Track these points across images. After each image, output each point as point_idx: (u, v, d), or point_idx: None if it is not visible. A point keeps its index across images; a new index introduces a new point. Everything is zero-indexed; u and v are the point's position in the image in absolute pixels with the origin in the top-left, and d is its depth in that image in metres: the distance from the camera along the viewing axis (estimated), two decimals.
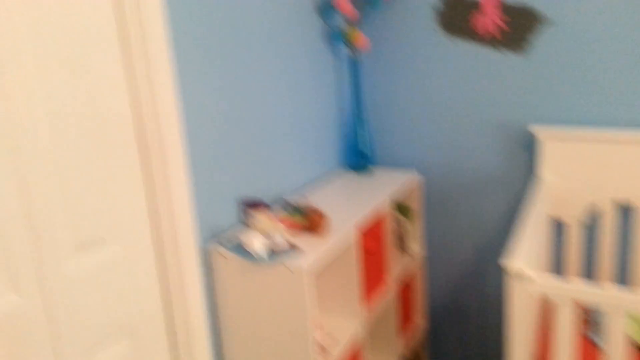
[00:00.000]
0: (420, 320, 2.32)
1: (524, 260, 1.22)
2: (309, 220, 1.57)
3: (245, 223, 1.61)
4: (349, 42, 2.08)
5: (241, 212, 1.67)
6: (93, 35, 1.19)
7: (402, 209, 2.11)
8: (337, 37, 2.14)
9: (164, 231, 1.40)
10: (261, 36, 1.71)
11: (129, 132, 1.31)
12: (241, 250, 1.47)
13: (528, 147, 2.00)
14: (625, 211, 1.88)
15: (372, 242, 1.80)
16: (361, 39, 2.06)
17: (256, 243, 1.44)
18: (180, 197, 1.39)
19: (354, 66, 2.23)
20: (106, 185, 1.25)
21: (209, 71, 1.49)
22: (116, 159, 1.27)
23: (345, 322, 1.72)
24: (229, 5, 1.55)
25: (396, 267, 2.03)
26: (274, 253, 1.44)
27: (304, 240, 1.53)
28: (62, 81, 1.13)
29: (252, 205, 1.60)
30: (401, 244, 2.13)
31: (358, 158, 2.20)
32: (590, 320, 1.75)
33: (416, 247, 2.23)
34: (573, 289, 1.18)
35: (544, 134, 1.86)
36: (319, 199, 1.89)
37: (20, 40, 1.05)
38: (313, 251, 1.45)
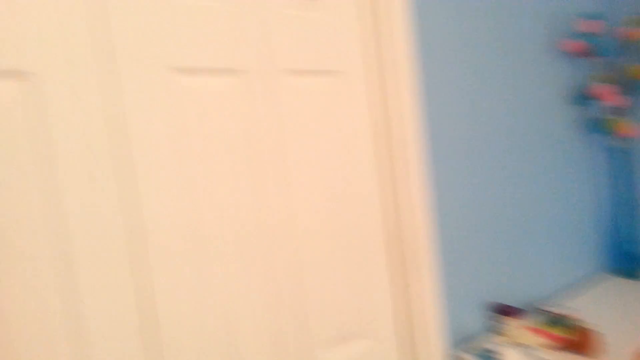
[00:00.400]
0: None
1: None
2: (576, 336, 1.35)
3: (494, 330, 1.48)
4: (610, 131, 1.85)
5: (490, 318, 1.55)
6: (354, 160, 1.33)
7: None
8: (594, 127, 1.93)
9: (412, 332, 1.38)
10: (511, 131, 1.65)
11: (379, 234, 1.38)
12: None
13: None
14: None
15: None
16: (630, 127, 1.81)
17: (512, 357, 1.29)
18: (429, 298, 1.37)
19: (621, 156, 1.96)
20: (361, 285, 1.32)
21: (462, 171, 1.49)
22: (369, 261, 1.35)
23: None
24: (482, 108, 1.56)
25: None
26: None
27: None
28: (326, 204, 1.28)
29: (504, 311, 1.47)
30: None
31: (627, 261, 1.86)
32: None
33: None
34: None
35: None
36: (581, 309, 1.63)
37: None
38: None
